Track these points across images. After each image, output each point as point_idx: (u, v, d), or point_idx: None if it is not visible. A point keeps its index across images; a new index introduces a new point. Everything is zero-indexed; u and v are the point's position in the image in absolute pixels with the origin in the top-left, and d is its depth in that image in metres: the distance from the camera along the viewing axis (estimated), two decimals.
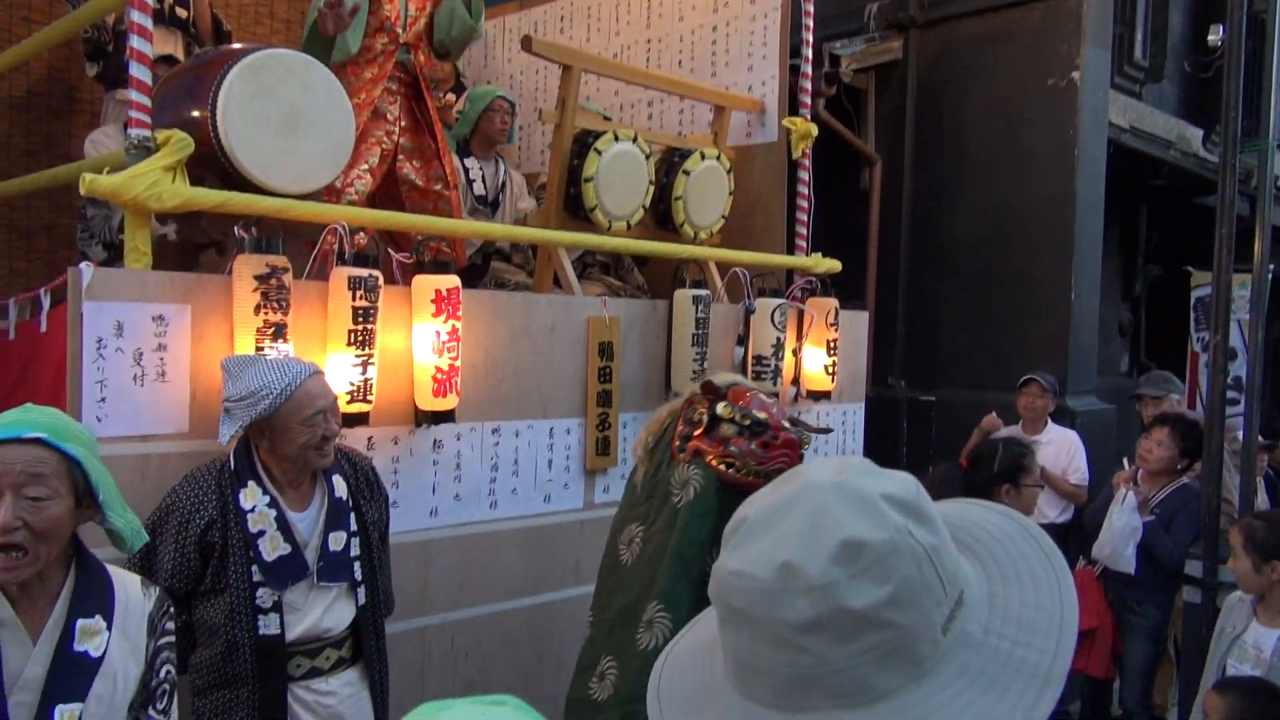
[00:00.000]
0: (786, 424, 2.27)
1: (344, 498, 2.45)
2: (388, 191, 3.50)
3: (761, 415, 2.22)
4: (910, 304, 5.93)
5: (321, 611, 2.35)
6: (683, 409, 2.34)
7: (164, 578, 2.22)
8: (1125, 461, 4.62)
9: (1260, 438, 4.47)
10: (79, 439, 1.61)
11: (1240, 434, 4.51)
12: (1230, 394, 4.91)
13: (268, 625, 2.26)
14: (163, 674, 1.72)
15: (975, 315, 5.62)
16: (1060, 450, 4.88)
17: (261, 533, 2.27)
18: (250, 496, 2.29)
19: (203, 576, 2.26)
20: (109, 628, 1.62)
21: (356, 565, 2.44)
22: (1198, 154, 6.83)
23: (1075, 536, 4.56)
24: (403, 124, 3.36)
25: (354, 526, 2.45)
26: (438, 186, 3.50)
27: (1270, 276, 4.90)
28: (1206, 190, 7.23)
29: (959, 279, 5.69)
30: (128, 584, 1.70)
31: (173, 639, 1.76)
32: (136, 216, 2.51)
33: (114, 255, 3.24)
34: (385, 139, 3.32)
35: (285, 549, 2.29)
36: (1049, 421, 4.95)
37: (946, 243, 5.75)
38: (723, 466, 2.19)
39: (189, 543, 2.23)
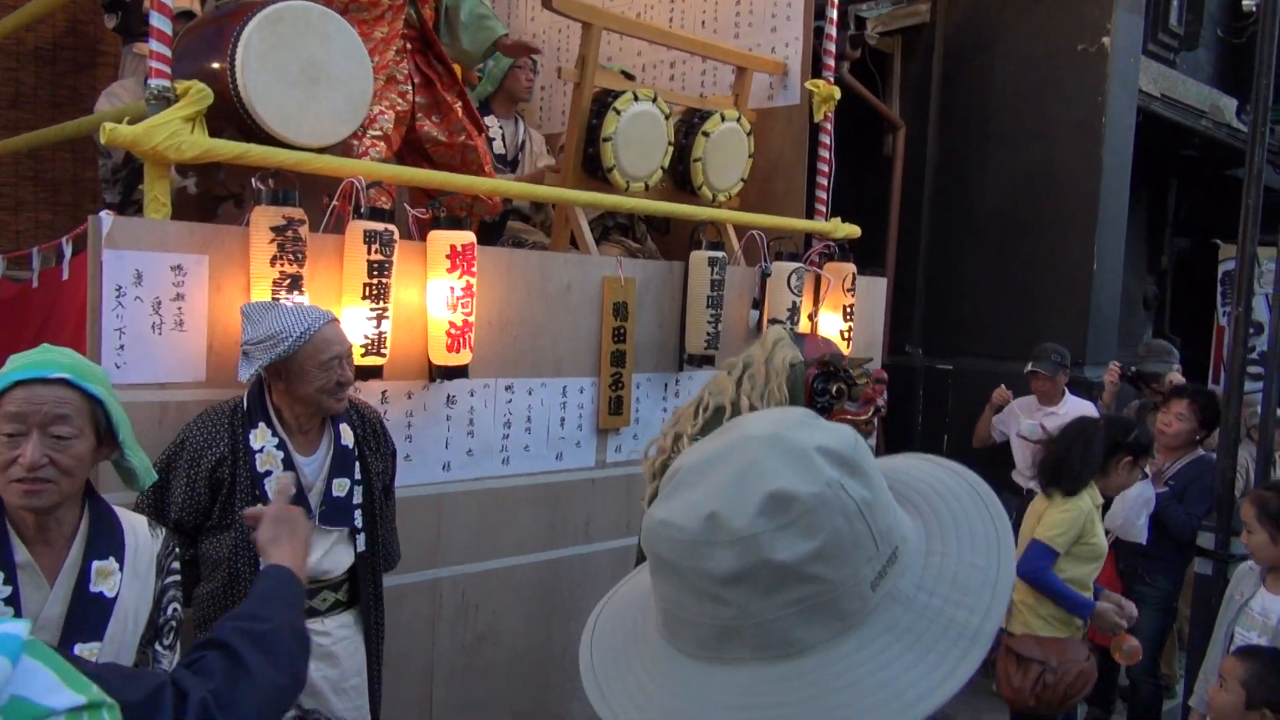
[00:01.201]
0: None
1: (350, 446, 2.50)
2: (414, 148, 3.49)
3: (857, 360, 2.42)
4: (930, 271, 5.89)
5: (321, 554, 2.42)
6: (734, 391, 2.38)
7: (174, 510, 2.30)
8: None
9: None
10: (99, 379, 1.66)
11: (1259, 408, 4.47)
12: (1252, 369, 4.87)
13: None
14: (169, 611, 1.77)
15: (996, 284, 5.58)
16: None
17: (268, 472, 2.34)
18: (260, 437, 2.36)
19: (210, 511, 2.34)
20: (121, 569, 1.67)
21: (358, 513, 2.50)
22: (1230, 124, 6.70)
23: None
24: (415, 81, 3.34)
25: (358, 475, 2.51)
26: (461, 138, 3.48)
27: None
28: (1239, 162, 7.09)
29: (981, 247, 5.64)
30: (136, 525, 1.75)
31: (178, 578, 1.82)
32: (156, 167, 2.54)
33: (127, 205, 3.28)
34: (400, 100, 3.31)
35: (291, 491, 2.34)
36: (1066, 392, 4.92)
37: (969, 210, 5.69)
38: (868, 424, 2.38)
39: (199, 477, 2.31)
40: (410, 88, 3.30)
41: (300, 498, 2.36)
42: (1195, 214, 7.64)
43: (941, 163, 5.83)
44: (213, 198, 2.95)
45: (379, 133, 3.06)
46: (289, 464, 2.37)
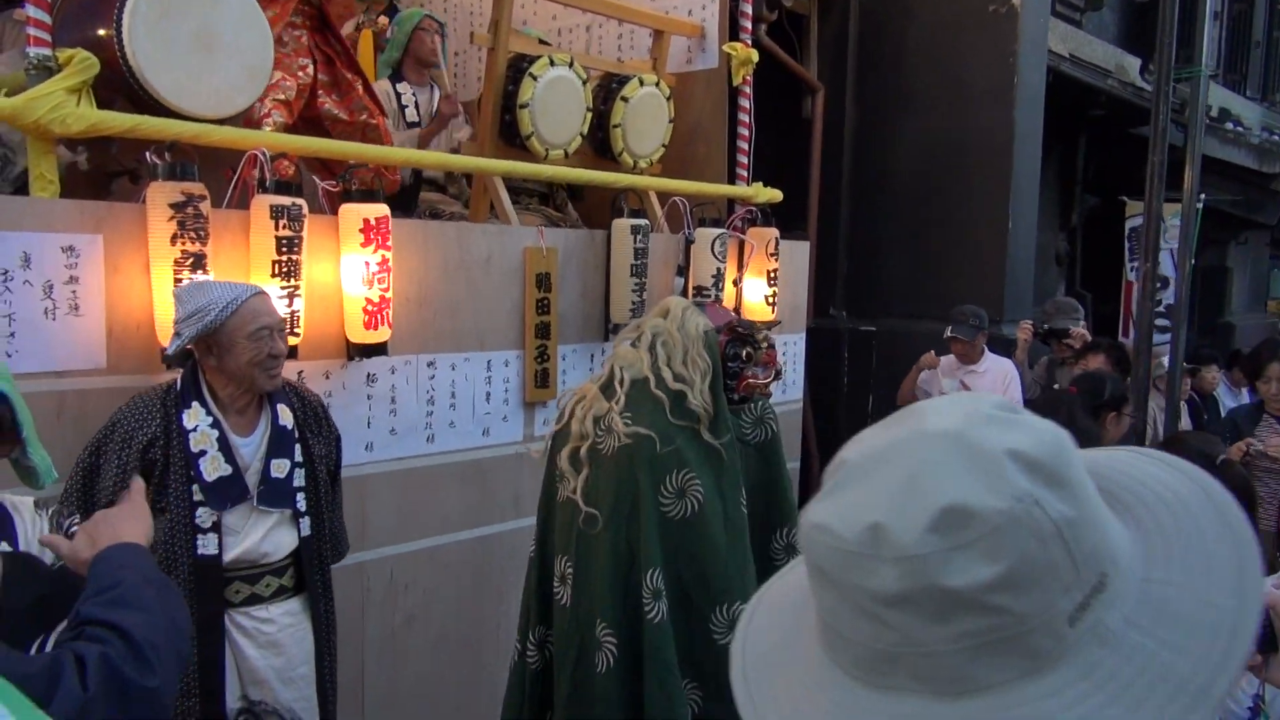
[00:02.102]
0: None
1: (289, 427, 2.44)
2: (317, 125, 3.36)
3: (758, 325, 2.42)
4: (852, 234, 5.94)
5: (261, 535, 2.36)
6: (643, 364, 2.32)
7: (104, 496, 2.21)
8: (1057, 387, 4.73)
9: (1185, 363, 4.61)
10: (2, 373, 1.59)
11: (1166, 359, 4.64)
12: (1159, 321, 5.04)
13: (205, 545, 2.28)
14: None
15: (916, 245, 5.65)
16: (996, 379, 4.96)
17: (203, 453, 2.27)
18: (193, 417, 2.29)
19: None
20: (14, 550, 1.62)
21: (300, 495, 2.44)
22: (1135, 83, 6.88)
23: None
24: (315, 59, 3.22)
25: (299, 457, 2.44)
26: (363, 116, 3.37)
27: (1200, 206, 5.00)
28: (1144, 120, 7.30)
29: (900, 209, 5.70)
30: (21, 508, 1.70)
31: None
32: (40, 142, 2.38)
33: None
34: (301, 73, 3.18)
35: (226, 470, 2.30)
36: (985, 351, 5.02)
37: (888, 172, 5.74)
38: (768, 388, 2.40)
39: (130, 459, 2.22)
40: (311, 62, 3.17)
41: (236, 477, 2.30)
42: (1103, 172, 7.84)
43: (860, 125, 5.87)
44: (106, 174, 2.79)
45: (282, 97, 2.93)
46: (224, 444, 2.30)
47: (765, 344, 2.44)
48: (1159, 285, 5.11)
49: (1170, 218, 5.88)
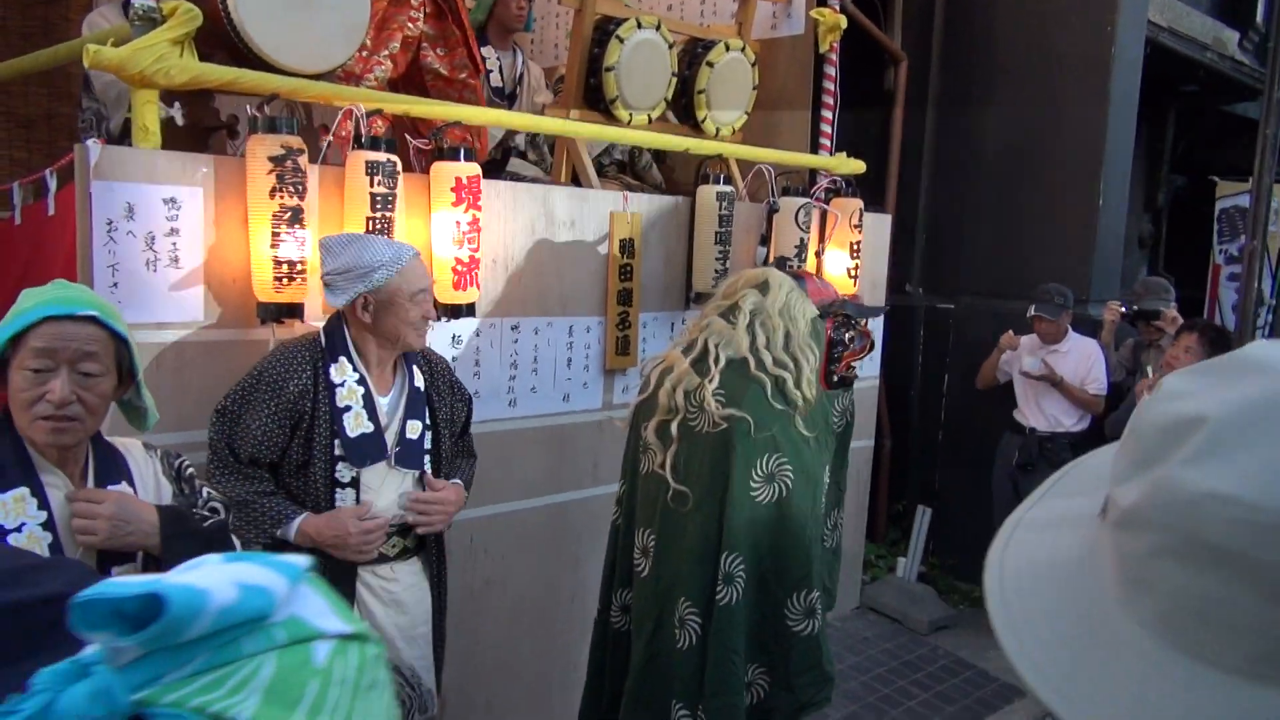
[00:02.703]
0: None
1: (422, 389, 2.45)
2: (411, 80, 3.34)
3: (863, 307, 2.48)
4: (931, 209, 5.78)
5: (394, 495, 2.37)
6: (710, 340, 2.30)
7: (249, 446, 2.23)
8: (1149, 370, 4.57)
9: None
10: (120, 318, 1.64)
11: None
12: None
13: (344, 499, 2.30)
14: (204, 494, 1.78)
15: (998, 222, 5.48)
16: (1079, 359, 4.82)
17: (348, 408, 2.28)
18: (341, 371, 2.29)
19: (288, 447, 2.27)
20: (134, 491, 1.68)
21: (427, 458, 2.44)
22: (1234, 57, 6.58)
23: (1094, 443, 4.52)
24: (427, 10, 3.19)
25: (429, 420, 2.45)
26: (463, 75, 3.34)
27: None
28: (1237, 97, 7.01)
29: (983, 184, 5.53)
30: (131, 449, 1.74)
31: (192, 471, 1.81)
32: (143, 92, 2.39)
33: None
34: (409, 24, 3.16)
35: (368, 427, 2.30)
36: (1069, 330, 4.87)
37: (972, 146, 5.57)
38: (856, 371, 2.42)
39: (281, 409, 2.24)
40: (421, 15, 3.14)
41: (377, 435, 2.31)
42: (1191, 151, 7.55)
43: (944, 97, 5.69)
44: (202, 129, 2.80)
45: (387, 53, 2.92)
46: (369, 400, 2.31)
47: (865, 320, 2.41)
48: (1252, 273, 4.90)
49: (1276, 200, 5.64)
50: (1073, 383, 4.77)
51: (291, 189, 2.41)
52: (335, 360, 2.28)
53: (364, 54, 2.80)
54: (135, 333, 2.32)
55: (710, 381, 2.25)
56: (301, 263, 2.46)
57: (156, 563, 1.60)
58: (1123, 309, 5.11)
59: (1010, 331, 4.99)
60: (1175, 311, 5.02)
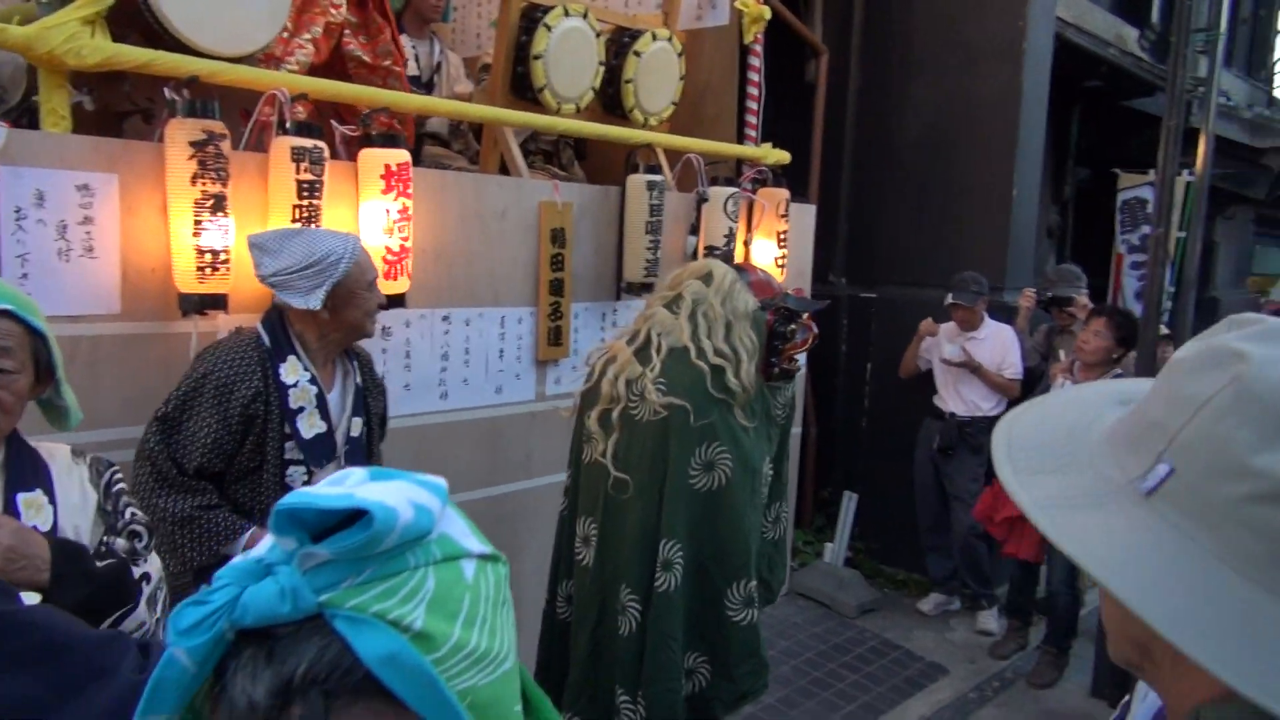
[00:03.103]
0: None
1: (360, 384, 2.40)
2: (333, 68, 3.25)
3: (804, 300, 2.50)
4: (853, 199, 5.89)
5: None
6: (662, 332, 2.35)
7: (199, 454, 2.12)
8: (1061, 354, 4.74)
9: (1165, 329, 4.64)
10: (38, 312, 1.52)
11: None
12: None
13: None
14: (127, 515, 1.64)
15: (918, 211, 5.61)
16: (996, 345, 4.97)
17: (301, 409, 2.21)
18: (292, 371, 2.21)
19: (236, 455, 2.17)
20: (51, 500, 1.54)
21: (363, 454, 2.39)
22: (1135, 53, 6.86)
23: None
24: None
25: (365, 416, 2.41)
26: (386, 62, 3.27)
27: (1191, 180, 5.00)
28: (1137, 92, 7.31)
29: (903, 174, 5.66)
30: (55, 453, 1.61)
31: (125, 487, 1.67)
32: (52, 75, 2.27)
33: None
34: (332, 10, 3.07)
35: (321, 427, 2.24)
36: (985, 317, 5.03)
37: (891, 137, 5.69)
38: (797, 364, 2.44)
39: (232, 414, 2.13)
40: (344, 1, 3.06)
41: (329, 435, 2.25)
42: (1095, 145, 7.84)
43: (864, 89, 5.80)
44: (115, 114, 2.68)
45: (309, 36, 2.83)
46: (320, 400, 2.24)
47: (807, 316, 2.47)
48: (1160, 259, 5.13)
49: (1142, 188, 5.89)
50: (990, 368, 4.91)
51: (214, 175, 2.32)
52: (284, 360, 2.20)
53: (285, 36, 2.71)
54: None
55: (651, 370, 2.28)
56: (225, 252, 2.38)
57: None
58: (1037, 295, 5.29)
59: (929, 319, 5.12)
60: (1086, 299, 5.22)
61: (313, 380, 2.24)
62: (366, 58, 3.14)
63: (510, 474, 3.48)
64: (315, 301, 2.16)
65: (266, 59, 2.68)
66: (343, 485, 0.65)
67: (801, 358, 2.57)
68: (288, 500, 0.61)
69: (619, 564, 2.32)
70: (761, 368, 2.37)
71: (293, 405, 2.19)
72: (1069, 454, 0.73)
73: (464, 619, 0.65)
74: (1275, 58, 13.11)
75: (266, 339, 2.22)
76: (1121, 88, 7.22)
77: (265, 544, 0.63)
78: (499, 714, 0.68)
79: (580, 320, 3.64)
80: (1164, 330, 4.60)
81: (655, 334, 2.33)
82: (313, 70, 2.88)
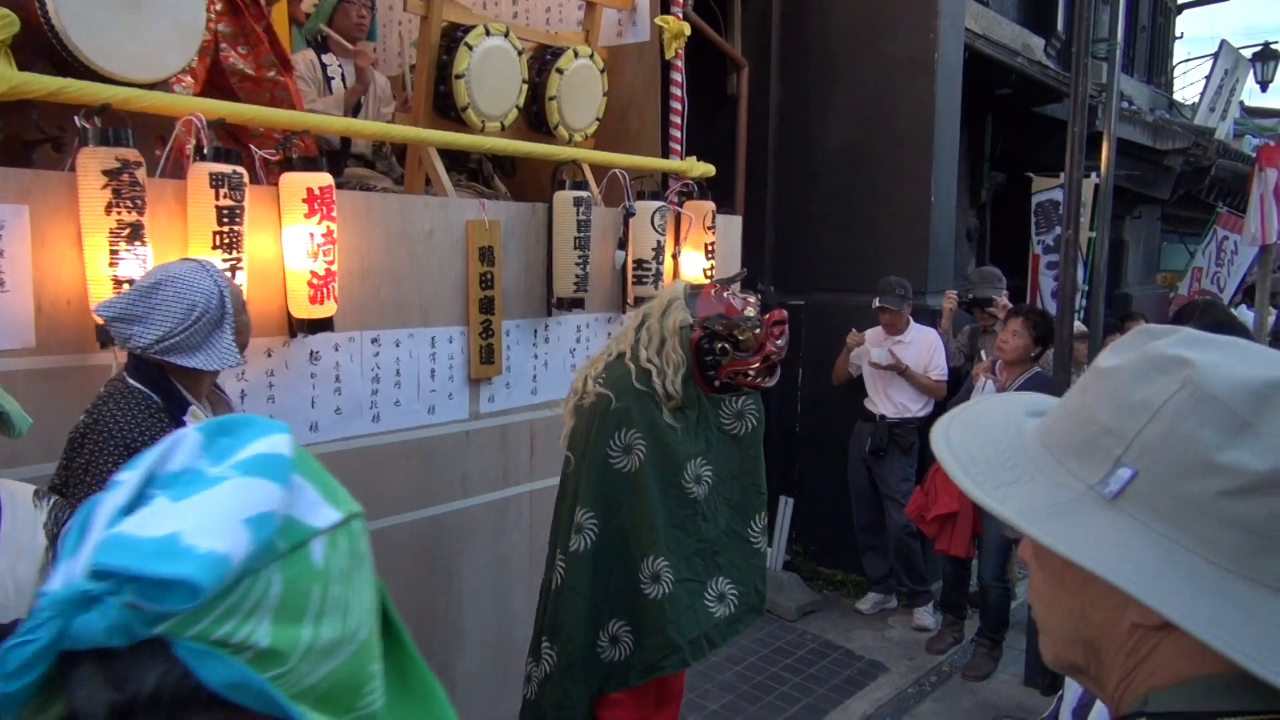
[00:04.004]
0: (749, 303, 2.69)
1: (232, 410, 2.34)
2: (215, 85, 3.16)
3: (749, 312, 2.63)
4: (779, 209, 5.99)
5: None
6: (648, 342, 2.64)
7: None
8: (983, 354, 4.88)
9: (1083, 326, 4.82)
10: None
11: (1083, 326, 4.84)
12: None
13: None
14: None
15: (842, 219, 5.73)
16: (922, 348, 5.11)
17: None
18: (199, 420, 2.07)
19: None
20: None
21: None
22: (1041, 61, 7.11)
23: None
24: (218, 8, 3.02)
25: None
26: (271, 73, 3.18)
27: (1098, 182, 5.20)
28: (1046, 99, 7.57)
29: (826, 183, 5.78)
30: (16, 494, 1.57)
31: None
32: None
33: None
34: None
35: None
36: (910, 321, 5.16)
37: (813, 147, 5.81)
38: (758, 380, 2.62)
39: None
40: (212, 15, 2.97)
41: None
42: (1009, 150, 8.10)
43: (784, 102, 5.92)
44: (23, 143, 2.61)
45: (184, 66, 2.76)
46: None
47: (746, 335, 2.60)
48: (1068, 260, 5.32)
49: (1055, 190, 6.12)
50: (917, 370, 5.04)
51: (129, 204, 2.28)
52: (184, 412, 2.07)
53: None
54: None
55: (594, 367, 2.72)
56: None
57: None
58: (959, 298, 5.45)
59: (855, 330, 5.24)
60: (1006, 299, 5.39)
61: None
62: (249, 70, 3.06)
63: (446, 494, 3.46)
64: (232, 359, 2.08)
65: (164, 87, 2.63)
66: (203, 508, 0.60)
67: (770, 374, 2.72)
68: (103, 558, 0.56)
69: (557, 529, 2.77)
70: (698, 379, 2.64)
71: None
72: (1015, 464, 0.75)
73: (314, 614, 0.62)
74: (1173, 64, 13.71)
75: (156, 396, 2.06)
76: (1032, 95, 7.47)
77: (78, 562, 0.58)
78: (356, 683, 0.66)
79: (512, 338, 3.64)
80: (1081, 328, 4.77)
81: (614, 343, 2.77)
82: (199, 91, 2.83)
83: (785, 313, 2.70)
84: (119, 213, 2.26)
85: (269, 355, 2.82)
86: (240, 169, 2.49)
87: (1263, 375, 0.67)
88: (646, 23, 4.45)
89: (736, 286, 2.74)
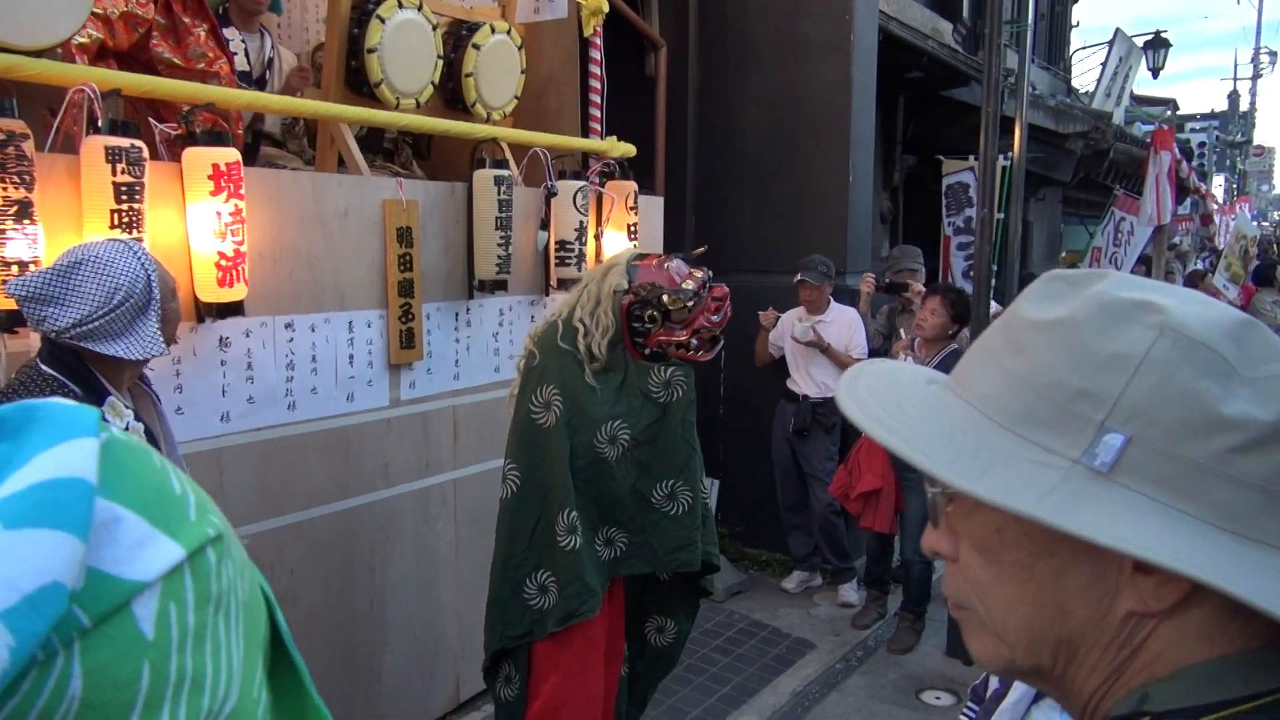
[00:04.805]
0: (692, 275, 2.67)
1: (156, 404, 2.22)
2: (145, 69, 3.01)
3: (688, 285, 2.62)
4: (699, 190, 5.97)
5: None
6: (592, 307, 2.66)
7: None
8: (901, 332, 4.95)
9: (998, 305, 4.94)
10: None
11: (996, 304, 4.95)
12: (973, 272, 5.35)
13: None
14: None
15: (762, 199, 5.75)
16: (843, 327, 5.16)
17: None
18: (116, 412, 1.97)
19: None
20: None
21: None
22: (950, 45, 7.25)
23: None
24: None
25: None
26: (200, 65, 3.05)
27: (1006, 164, 5.34)
28: (954, 82, 7.72)
29: (745, 164, 5.78)
30: None
31: None
32: None
33: None
34: (136, 6, 2.84)
35: None
36: (831, 301, 5.20)
37: (733, 128, 5.80)
38: (690, 353, 2.63)
39: None
40: (152, 1, 2.84)
41: None
42: (919, 133, 8.25)
43: (703, 82, 5.89)
44: None
45: (100, 10, 2.59)
46: (151, 437, 2.02)
47: (678, 305, 2.60)
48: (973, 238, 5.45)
49: (965, 173, 6.25)
50: (839, 349, 5.09)
51: (16, 179, 2.11)
52: (102, 404, 1.95)
53: None
54: None
55: (538, 326, 2.81)
56: (35, 262, 2.17)
57: None
58: (876, 280, 5.52)
59: (770, 308, 5.26)
60: (921, 284, 5.48)
61: (138, 417, 2.03)
62: (177, 60, 2.92)
63: (367, 484, 3.34)
64: (156, 347, 1.95)
65: (64, 49, 2.46)
66: None
67: (707, 349, 2.71)
68: None
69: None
70: (628, 345, 2.68)
71: None
72: (977, 448, 0.64)
73: (145, 708, 0.43)
74: (1071, 50, 14.19)
75: (73, 385, 1.93)
76: (941, 79, 7.61)
77: None
78: None
79: (433, 321, 3.53)
80: (997, 307, 4.88)
81: (564, 304, 2.79)
82: (116, 63, 2.66)
83: (726, 289, 2.68)
84: (4, 189, 2.10)
85: (175, 342, 2.66)
86: (139, 143, 2.34)
87: (1227, 314, 0.62)
88: (564, 0, 4.36)
89: (680, 261, 2.70)
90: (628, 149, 4.46)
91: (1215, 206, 14.82)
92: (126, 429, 1.95)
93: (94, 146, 2.28)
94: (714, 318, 2.63)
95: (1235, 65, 45.50)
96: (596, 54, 4.50)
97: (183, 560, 0.46)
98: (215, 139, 2.57)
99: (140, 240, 2.36)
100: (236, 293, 2.64)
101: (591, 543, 2.70)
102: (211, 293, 2.61)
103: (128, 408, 2.01)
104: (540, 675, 2.76)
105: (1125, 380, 0.60)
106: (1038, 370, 0.63)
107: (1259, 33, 44.68)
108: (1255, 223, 20.13)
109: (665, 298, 2.60)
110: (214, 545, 0.49)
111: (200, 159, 2.53)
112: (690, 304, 2.59)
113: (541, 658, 2.76)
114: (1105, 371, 0.61)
